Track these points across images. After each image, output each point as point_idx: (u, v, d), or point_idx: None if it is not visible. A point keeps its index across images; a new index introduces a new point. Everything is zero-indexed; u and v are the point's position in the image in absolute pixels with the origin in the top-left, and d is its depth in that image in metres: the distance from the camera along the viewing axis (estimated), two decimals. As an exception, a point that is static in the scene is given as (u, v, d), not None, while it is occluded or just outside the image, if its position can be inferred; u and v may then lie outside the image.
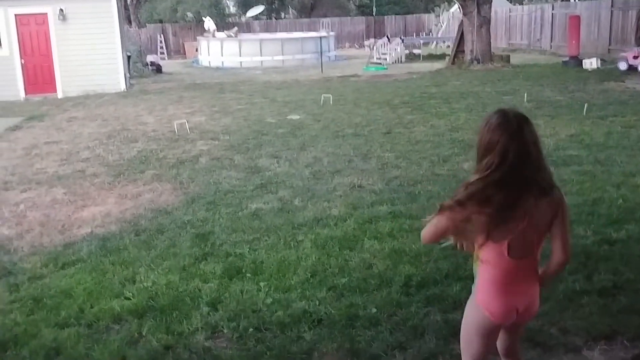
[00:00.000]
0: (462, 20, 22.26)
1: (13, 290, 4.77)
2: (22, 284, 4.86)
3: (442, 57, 26.42)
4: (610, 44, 24.11)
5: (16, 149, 10.22)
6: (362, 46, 36.39)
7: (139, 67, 24.95)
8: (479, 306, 2.62)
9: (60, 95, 18.08)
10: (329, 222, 5.96)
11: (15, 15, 17.78)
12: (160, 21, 38.58)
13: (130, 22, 36.74)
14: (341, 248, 5.30)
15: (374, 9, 38.61)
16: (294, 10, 48.74)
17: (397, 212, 6.17)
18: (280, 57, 28.47)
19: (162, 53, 35.08)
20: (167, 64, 29.39)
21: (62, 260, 5.29)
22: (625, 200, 6.20)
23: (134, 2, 36.50)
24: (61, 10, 17.86)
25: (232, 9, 47.02)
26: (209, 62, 29.48)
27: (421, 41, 31.49)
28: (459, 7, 23.11)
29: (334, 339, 3.86)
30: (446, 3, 39.61)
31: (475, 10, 20.73)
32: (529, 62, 22.54)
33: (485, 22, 21.17)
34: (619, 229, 5.44)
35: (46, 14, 17.97)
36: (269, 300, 4.38)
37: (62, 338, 3.97)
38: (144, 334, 4.02)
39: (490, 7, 21.49)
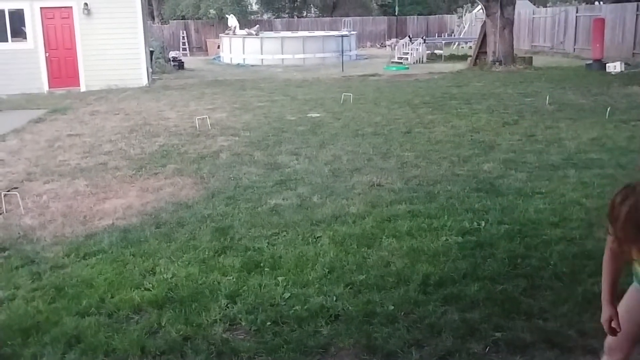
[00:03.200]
0: (484, 21, 22.17)
1: (35, 278, 4.84)
2: (45, 272, 4.93)
3: (463, 58, 26.31)
4: (635, 48, 23.86)
5: (39, 141, 10.36)
6: (383, 46, 36.37)
7: (162, 62, 25.16)
8: None
9: (83, 88, 18.30)
10: (347, 220, 5.97)
11: (41, 8, 18.02)
12: (183, 17, 38.87)
13: (153, 18, 37.02)
14: (359, 245, 5.31)
15: (396, 9, 38.57)
16: (316, 9, 48.80)
17: (415, 211, 6.17)
18: (301, 56, 28.57)
19: (184, 49, 35.31)
20: (189, 61, 29.57)
21: (83, 251, 5.36)
22: (647, 205, 6.13)
23: (158, -2, 36.78)
24: (86, 4, 18.08)
25: (255, 7, 47.20)
26: (231, 59, 29.65)
27: (443, 42, 31.39)
28: (482, 8, 23.02)
29: (351, 334, 3.88)
30: (469, 4, 39.44)
31: (499, 11, 20.65)
32: (552, 64, 22.39)
33: (508, 23, 21.07)
34: (640, 233, 5.39)
35: (71, 7, 18.20)
36: (286, 295, 4.40)
37: (83, 326, 4.02)
38: (163, 324, 4.06)
39: (513, 9, 21.38)
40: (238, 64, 28.52)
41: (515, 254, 5.04)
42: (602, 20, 21.39)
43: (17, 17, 18.02)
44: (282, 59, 28.38)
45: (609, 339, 2.91)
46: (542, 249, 5.12)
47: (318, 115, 12.25)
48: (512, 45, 21.77)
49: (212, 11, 38.66)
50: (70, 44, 18.48)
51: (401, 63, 25.73)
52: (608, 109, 11.13)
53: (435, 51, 29.30)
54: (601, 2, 32.96)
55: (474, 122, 10.86)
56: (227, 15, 34.57)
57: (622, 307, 2.85)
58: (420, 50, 27.16)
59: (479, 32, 24.22)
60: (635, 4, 24.65)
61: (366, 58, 30.04)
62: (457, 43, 33.69)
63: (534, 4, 38.72)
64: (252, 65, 27.58)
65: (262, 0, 48.10)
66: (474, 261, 4.91)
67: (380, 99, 14.22)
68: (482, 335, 3.84)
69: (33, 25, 18.06)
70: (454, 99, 13.90)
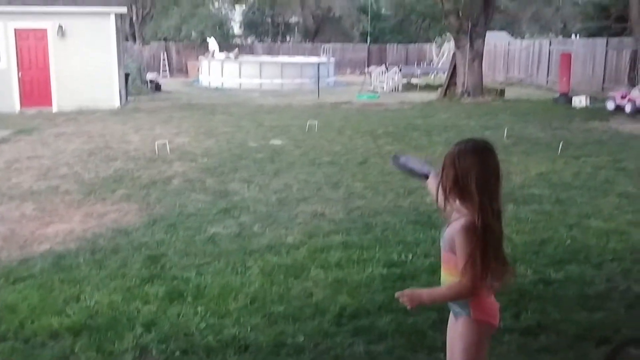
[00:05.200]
0: (454, 53, 22.57)
1: (-40, 303, 4.90)
2: (-30, 297, 5.00)
3: (438, 87, 26.68)
4: (604, 82, 24.41)
5: (-2, 162, 10.42)
6: (363, 73, 36.76)
7: (138, 84, 25.25)
8: (481, 322, 2.81)
9: (55, 109, 18.35)
10: (281, 250, 6.10)
11: (15, 29, 18.12)
12: (165, 39, 39.11)
13: (134, 39, 37.23)
14: (286, 276, 5.43)
15: (368, 38, 39.26)
16: (298, 34, 49.36)
17: (349, 242, 6.32)
18: (279, 81, 28.83)
19: (164, 71, 35.53)
20: (169, 83, 29.76)
21: (14, 276, 5.43)
22: (573, 241, 6.33)
23: (139, 19, 37.02)
24: (60, 26, 18.22)
25: (237, 30, 47.66)
26: (209, 82, 29.86)
27: (418, 71, 31.81)
28: (453, 41, 23.44)
29: (256, 365, 3.99)
30: (448, 34, 40.03)
31: (468, 44, 21.05)
32: (523, 96, 22.78)
33: (478, 56, 21.47)
34: (560, 269, 5.57)
35: (46, 29, 18.32)
36: (202, 325, 4.51)
37: (-5, 352, 4.10)
38: (75, 351, 4.14)
39: (483, 42, 21.79)
40: (216, 87, 28.74)
41: (434, 286, 5.16)
42: (569, 55, 21.86)
43: (-9, 37, 18.13)
44: (260, 83, 28.61)
45: None
46: (461, 283, 5.26)
47: (280, 142, 12.42)
48: (482, 77, 22.16)
49: (193, 33, 38.98)
50: (44, 64, 18.59)
51: (376, 92, 26.03)
52: (561, 145, 11.38)
53: (412, 80, 29.70)
54: (578, 36, 33.69)
55: (430, 154, 11.02)
56: (207, 39, 34.91)
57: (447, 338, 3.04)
58: (396, 79, 27.52)
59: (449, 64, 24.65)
60: (605, 39, 25.26)
61: (344, 85, 30.36)
62: (435, 72, 34.12)
63: (512, 36, 39.44)
64: (230, 89, 27.79)
65: (245, 24, 48.63)
66: (392, 293, 5.00)
67: (346, 128, 14.43)
68: (381, 368, 3.97)
69: (7, 45, 18.14)
70: (417, 130, 14.13)
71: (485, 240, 2.63)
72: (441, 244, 2.84)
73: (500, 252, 2.74)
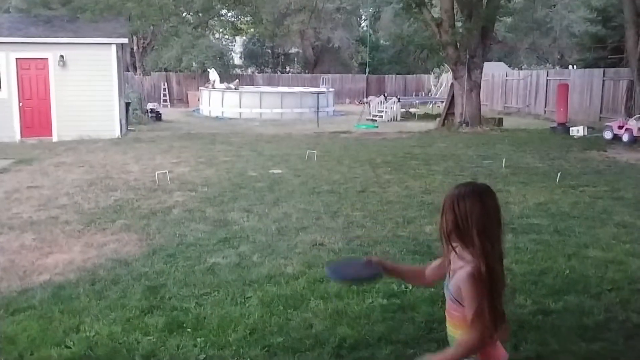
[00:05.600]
0: (452, 84, 22.79)
1: (-41, 334, 4.90)
2: (-31, 328, 5.00)
3: (437, 117, 26.88)
4: (601, 112, 24.60)
5: (-2, 192, 10.46)
6: (362, 103, 37.06)
7: (139, 114, 25.44)
8: None
9: (55, 139, 18.46)
10: (280, 280, 6.10)
11: (17, 59, 18.33)
12: (166, 70, 39.45)
13: (135, 69, 37.52)
14: (286, 307, 5.43)
15: (367, 69, 39.66)
16: (298, 65, 49.85)
17: (349, 272, 6.31)
18: (279, 110, 29.06)
19: (165, 101, 35.79)
20: (169, 112, 29.96)
21: (13, 306, 5.43)
22: (572, 271, 6.35)
23: (140, 50, 37.36)
24: (61, 56, 18.42)
25: (238, 61, 48.12)
26: (210, 111, 30.10)
27: (417, 101, 32.08)
28: (451, 71, 23.68)
29: (255, 397, 3.99)
30: (445, 65, 40.42)
31: (466, 74, 21.25)
32: (521, 126, 22.94)
33: (476, 86, 21.67)
34: (558, 299, 5.58)
35: (47, 59, 18.54)
36: (202, 356, 4.51)
37: (-7, 384, 4.10)
38: (74, 383, 4.15)
39: (481, 72, 22.02)
40: (216, 117, 28.94)
41: (433, 317, 5.18)
42: (566, 85, 22.07)
43: (-8, 67, 18.33)
44: (260, 113, 28.84)
45: None
46: (461, 314, 5.26)
47: (280, 171, 12.48)
48: (479, 107, 22.34)
49: (194, 64, 39.34)
50: (45, 94, 18.75)
51: (375, 120, 26.24)
52: (559, 174, 11.44)
53: (410, 110, 29.94)
54: (574, 67, 34.04)
55: (428, 184, 11.11)
56: (208, 69, 35.25)
57: None
58: (395, 108, 27.75)
59: (447, 94, 24.87)
60: (601, 69, 25.53)
61: (343, 114, 30.59)
62: (433, 102, 34.40)
63: (510, 67, 39.83)
64: (230, 119, 28.00)
65: (246, 55, 49.11)
66: (392, 324, 5.06)
67: (345, 157, 14.51)
68: (380, 399, 3.96)
69: (8, 75, 18.34)
70: (415, 159, 14.21)
71: (491, 285, 2.56)
72: (445, 294, 2.73)
73: (501, 299, 2.65)
